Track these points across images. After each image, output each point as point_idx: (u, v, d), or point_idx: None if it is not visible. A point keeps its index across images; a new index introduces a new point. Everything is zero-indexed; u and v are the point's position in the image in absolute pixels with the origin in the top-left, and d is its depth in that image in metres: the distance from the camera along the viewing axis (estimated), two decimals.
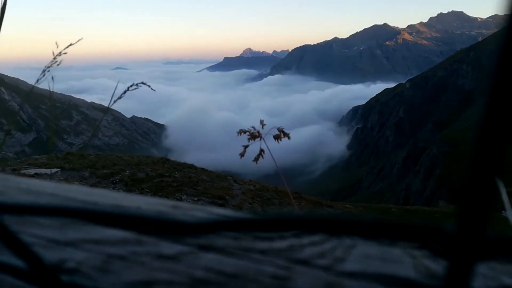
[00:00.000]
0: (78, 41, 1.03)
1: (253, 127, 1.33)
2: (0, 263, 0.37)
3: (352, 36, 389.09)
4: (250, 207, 10.72)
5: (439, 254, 0.28)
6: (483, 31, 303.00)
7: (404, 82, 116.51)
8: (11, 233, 0.35)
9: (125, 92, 1.10)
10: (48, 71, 1.03)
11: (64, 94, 76.85)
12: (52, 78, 1.06)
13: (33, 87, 1.04)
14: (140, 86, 1.12)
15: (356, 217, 0.30)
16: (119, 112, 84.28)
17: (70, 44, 1.01)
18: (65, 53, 1.03)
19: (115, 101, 1.10)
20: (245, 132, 1.34)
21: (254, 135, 1.32)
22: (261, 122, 1.34)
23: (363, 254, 0.38)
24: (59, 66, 1.05)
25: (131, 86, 1.11)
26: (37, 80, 1.03)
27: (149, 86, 1.17)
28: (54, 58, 1.02)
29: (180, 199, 9.78)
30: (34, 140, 56.56)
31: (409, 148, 70.49)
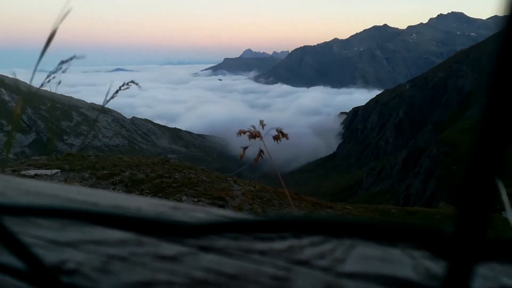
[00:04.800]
0: (82, 57, 1.05)
1: (253, 127, 1.33)
2: (0, 264, 0.37)
3: (352, 37, 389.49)
4: (250, 208, 10.72)
5: (439, 255, 0.28)
6: (483, 32, 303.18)
7: (404, 83, 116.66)
8: (11, 234, 0.35)
9: (117, 91, 1.13)
10: (54, 77, 1.05)
11: (64, 95, 76.89)
12: (59, 82, 1.08)
13: (37, 90, 1.05)
14: (131, 85, 1.15)
15: (356, 219, 0.30)
16: (119, 113, 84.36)
17: (74, 56, 1.03)
18: (70, 59, 1.05)
19: (108, 101, 1.12)
20: (244, 132, 1.34)
21: (254, 135, 1.32)
22: (261, 122, 1.34)
23: (363, 255, 0.38)
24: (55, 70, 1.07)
25: (122, 85, 1.14)
26: (42, 84, 1.05)
27: (136, 84, 1.19)
28: (59, 64, 1.04)
29: (180, 200, 9.78)
30: (34, 141, 56.55)
31: (409, 149, 70.53)
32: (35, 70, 0.95)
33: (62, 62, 1.03)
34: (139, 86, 1.20)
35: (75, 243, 0.42)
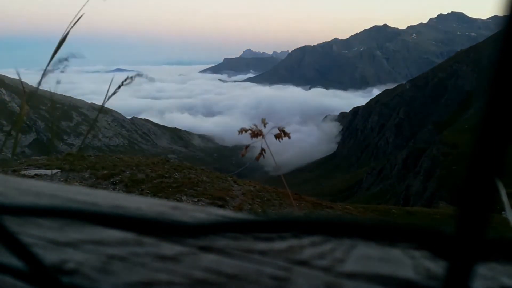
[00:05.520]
0: (81, 56, 1.04)
1: (254, 125, 1.32)
2: (0, 264, 0.37)
3: (352, 37, 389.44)
4: (250, 208, 10.72)
5: (439, 255, 0.28)
6: (483, 32, 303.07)
7: (404, 83, 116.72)
8: (11, 234, 0.35)
9: (119, 87, 1.08)
10: (51, 75, 1.04)
11: (64, 95, 76.93)
12: (58, 81, 1.06)
13: (36, 89, 1.04)
14: (134, 79, 1.10)
15: (356, 219, 0.30)
16: (119, 113, 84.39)
17: (72, 55, 1.02)
18: (66, 59, 1.03)
19: (109, 97, 1.09)
20: (246, 131, 1.34)
21: (255, 133, 1.32)
22: (263, 120, 1.33)
23: (363, 255, 0.38)
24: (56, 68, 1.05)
25: (125, 80, 1.09)
26: (39, 83, 1.04)
27: (141, 75, 1.14)
28: (58, 63, 1.03)
29: (180, 200, 9.78)
30: (34, 141, 56.56)
31: (409, 149, 70.54)
32: (45, 72, 0.94)
33: (60, 61, 1.02)
34: (147, 78, 1.16)
35: (75, 243, 0.42)
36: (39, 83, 1.02)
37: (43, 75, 0.95)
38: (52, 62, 1.03)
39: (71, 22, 0.86)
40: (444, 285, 0.25)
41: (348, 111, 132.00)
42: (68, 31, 0.86)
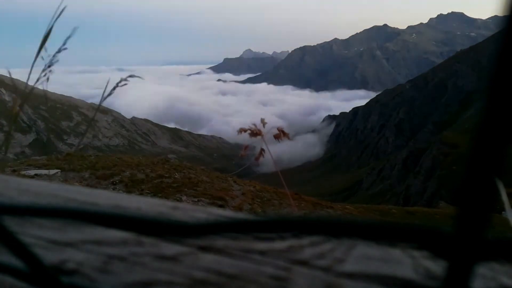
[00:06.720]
0: (69, 37, 1.02)
1: (254, 125, 1.32)
2: (0, 264, 0.37)
3: (352, 37, 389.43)
4: (250, 208, 10.72)
5: (439, 255, 0.28)
6: (483, 32, 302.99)
7: (404, 83, 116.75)
8: (11, 234, 0.35)
9: (114, 88, 1.10)
10: (50, 71, 1.03)
11: (64, 95, 76.92)
12: (48, 79, 1.06)
13: (32, 87, 1.04)
14: (129, 81, 1.11)
15: (356, 219, 0.30)
16: (119, 113, 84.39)
17: (68, 38, 1.01)
18: (65, 49, 1.02)
19: (105, 98, 1.10)
20: (245, 130, 1.33)
21: (255, 133, 1.31)
22: (262, 120, 1.33)
23: (363, 255, 0.38)
24: (57, 66, 1.05)
25: (119, 82, 1.10)
26: (37, 80, 1.03)
27: (139, 77, 1.16)
28: (54, 56, 1.02)
29: (180, 200, 9.78)
30: (34, 141, 56.56)
31: (409, 149, 70.52)
32: (31, 69, 0.93)
33: (56, 53, 1.01)
34: (141, 78, 1.17)
35: (75, 243, 0.42)
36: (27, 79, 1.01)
37: (31, 70, 0.94)
38: (47, 59, 1.02)
39: (54, 15, 0.84)
40: (444, 285, 0.25)
41: (348, 111, 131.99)
42: (52, 25, 0.84)
